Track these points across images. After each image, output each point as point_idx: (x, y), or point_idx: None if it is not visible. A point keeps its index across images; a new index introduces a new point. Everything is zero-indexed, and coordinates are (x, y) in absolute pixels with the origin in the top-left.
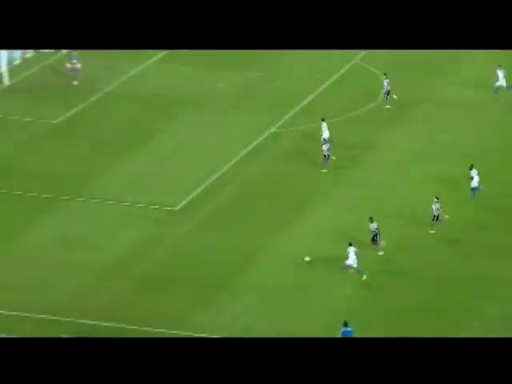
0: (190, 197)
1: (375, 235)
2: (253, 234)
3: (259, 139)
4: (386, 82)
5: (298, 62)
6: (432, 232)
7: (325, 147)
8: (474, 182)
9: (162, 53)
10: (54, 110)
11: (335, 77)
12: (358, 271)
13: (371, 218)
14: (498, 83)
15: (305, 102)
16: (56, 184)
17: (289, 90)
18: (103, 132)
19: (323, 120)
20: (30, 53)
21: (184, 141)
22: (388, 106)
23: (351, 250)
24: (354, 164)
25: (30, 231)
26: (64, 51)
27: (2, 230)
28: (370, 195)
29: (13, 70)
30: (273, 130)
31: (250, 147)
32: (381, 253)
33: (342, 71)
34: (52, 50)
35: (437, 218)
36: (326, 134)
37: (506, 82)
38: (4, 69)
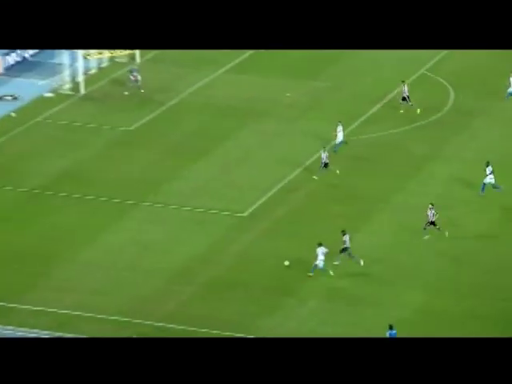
0: (257, 204)
1: (345, 248)
2: (317, 241)
3: (327, 147)
4: (405, 88)
5: (364, 72)
6: (426, 237)
7: (324, 155)
8: (488, 179)
9: (230, 64)
10: (127, 118)
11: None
12: (323, 270)
13: (343, 231)
14: (510, 89)
15: (371, 111)
16: (130, 189)
17: (356, 99)
18: (174, 139)
19: (340, 122)
20: (105, 62)
21: (252, 149)
22: (401, 111)
23: (320, 251)
24: (418, 173)
25: (107, 235)
26: (135, 63)
27: (80, 234)
28: (436, 204)
29: (88, 80)
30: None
31: (316, 156)
32: (361, 262)
33: (408, 81)
34: (125, 60)
35: (433, 223)
36: (340, 137)
37: None
38: (80, 78)
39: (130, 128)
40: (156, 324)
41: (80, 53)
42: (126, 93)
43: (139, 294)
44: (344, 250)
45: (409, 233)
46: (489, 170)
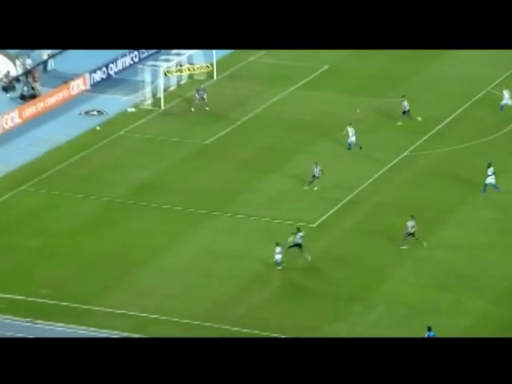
0: (327, 214)
1: (297, 244)
2: (385, 251)
3: (394, 161)
4: (404, 103)
5: (432, 89)
6: (404, 248)
7: (316, 170)
8: (489, 179)
9: (302, 81)
10: (204, 132)
11: (468, 103)
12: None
13: (298, 229)
14: (503, 102)
15: (438, 127)
16: (204, 200)
17: (423, 115)
18: (247, 153)
19: (350, 124)
20: (184, 79)
21: (323, 162)
22: (399, 123)
23: (278, 249)
24: (482, 187)
25: (183, 243)
26: (211, 80)
27: (157, 241)
28: (501, 216)
29: (168, 96)
30: (407, 153)
31: (384, 169)
32: (309, 258)
33: (475, 98)
34: (203, 78)
35: (411, 234)
36: (352, 139)
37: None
38: (161, 94)
39: (207, 142)
40: (230, 328)
41: (161, 70)
42: (193, 109)
43: (213, 298)
44: (296, 245)
45: (474, 244)
46: (490, 171)
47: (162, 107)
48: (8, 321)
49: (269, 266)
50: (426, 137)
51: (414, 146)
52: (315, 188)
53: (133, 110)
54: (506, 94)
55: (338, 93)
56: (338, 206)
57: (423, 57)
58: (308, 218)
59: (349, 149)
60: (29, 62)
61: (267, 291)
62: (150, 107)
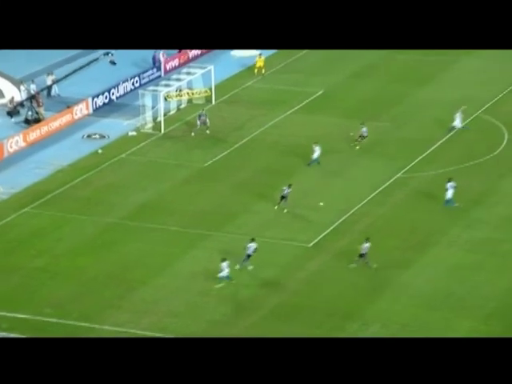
0: (321, 235)
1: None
2: (379, 270)
3: (387, 183)
4: (363, 129)
5: (423, 112)
6: (353, 266)
7: (286, 190)
8: (448, 194)
9: (299, 105)
10: (203, 155)
11: (460, 127)
12: (226, 278)
13: (252, 239)
14: (454, 124)
15: (429, 150)
16: (203, 221)
17: (415, 138)
18: (245, 175)
19: (316, 144)
20: (184, 104)
21: (317, 183)
22: (358, 148)
23: (225, 264)
24: (474, 207)
25: (182, 263)
26: (207, 105)
27: (157, 261)
28: (490, 237)
29: (168, 120)
30: (399, 175)
31: (378, 190)
32: (250, 267)
33: (466, 122)
34: (202, 102)
35: (363, 255)
36: (316, 154)
37: (462, 123)
38: (161, 118)
39: (205, 164)
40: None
41: (161, 95)
42: (193, 134)
43: (210, 318)
44: (248, 256)
45: (463, 265)
46: (450, 185)
47: (162, 131)
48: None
49: (265, 285)
50: (418, 159)
51: (406, 169)
52: (285, 210)
53: (134, 133)
54: (458, 116)
55: (332, 116)
56: (332, 226)
57: (414, 81)
58: (303, 238)
59: (308, 165)
60: (33, 87)
61: (264, 310)
62: (151, 131)
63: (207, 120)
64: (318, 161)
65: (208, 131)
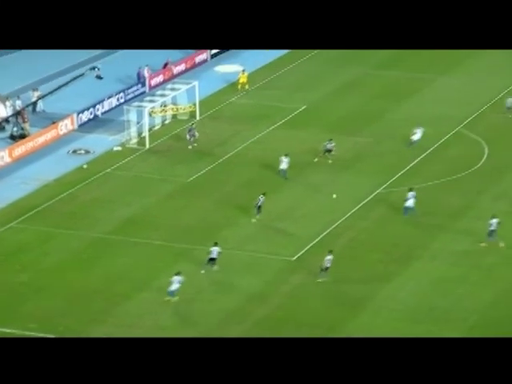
0: (304, 249)
1: (212, 259)
2: (360, 284)
3: (369, 198)
4: (330, 145)
5: (404, 129)
6: (321, 280)
7: (261, 199)
8: (409, 203)
9: (282, 120)
10: (187, 170)
11: (439, 143)
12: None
13: (216, 243)
14: (413, 137)
15: (411, 164)
16: (187, 235)
17: (396, 153)
18: (228, 190)
19: (286, 155)
20: (168, 119)
21: (299, 198)
22: (330, 161)
23: (176, 279)
24: (454, 221)
25: (167, 276)
26: (195, 120)
27: (141, 275)
28: (472, 250)
29: (153, 135)
30: (380, 190)
31: (360, 205)
32: (215, 267)
33: (445, 137)
34: (186, 118)
35: (326, 268)
36: (283, 167)
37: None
38: (146, 134)
39: (189, 179)
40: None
41: (146, 111)
42: (190, 147)
43: (196, 331)
44: (211, 260)
45: (445, 278)
46: (411, 194)
47: (147, 146)
48: None
49: (250, 298)
50: (400, 174)
51: (387, 183)
52: (253, 220)
53: (119, 148)
54: (418, 131)
55: (314, 132)
56: (316, 240)
57: (394, 98)
58: (287, 252)
59: (279, 173)
60: (18, 103)
61: (248, 323)
62: (136, 146)
63: (196, 133)
64: (285, 173)
65: (195, 144)
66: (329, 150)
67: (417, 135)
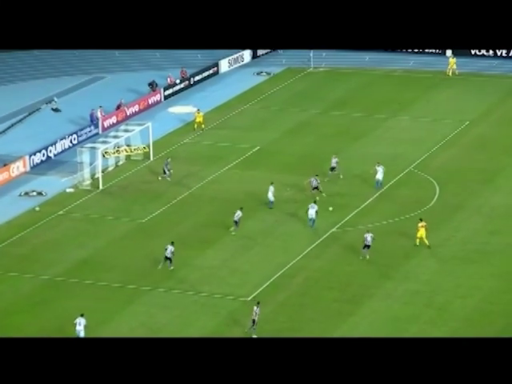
0: (260, 289)
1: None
2: (313, 323)
3: (323, 237)
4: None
5: (357, 168)
6: (254, 337)
7: (238, 213)
8: (378, 175)
9: (236, 161)
10: (142, 211)
11: (392, 182)
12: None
13: (172, 242)
14: (378, 176)
15: (364, 204)
16: (142, 276)
17: (349, 193)
18: (184, 230)
19: (272, 183)
20: (122, 160)
21: (255, 238)
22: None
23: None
24: (405, 261)
25: (120, 319)
26: (149, 161)
27: (96, 317)
28: (424, 289)
29: (106, 176)
30: (334, 229)
31: (314, 244)
32: (171, 268)
33: (399, 176)
34: (140, 158)
35: (254, 322)
36: (271, 197)
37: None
38: (99, 175)
39: (144, 219)
40: None
41: (99, 152)
42: (169, 179)
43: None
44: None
45: (398, 317)
46: (380, 168)
47: (101, 187)
48: None
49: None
50: (353, 213)
51: (341, 223)
52: (232, 232)
53: (72, 190)
54: (379, 169)
55: (268, 172)
56: (271, 280)
57: (347, 138)
58: (242, 293)
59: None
60: None
61: None
62: (89, 187)
63: (171, 168)
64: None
65: (169, 179)
66: (316, 188)
67: (379, 174)
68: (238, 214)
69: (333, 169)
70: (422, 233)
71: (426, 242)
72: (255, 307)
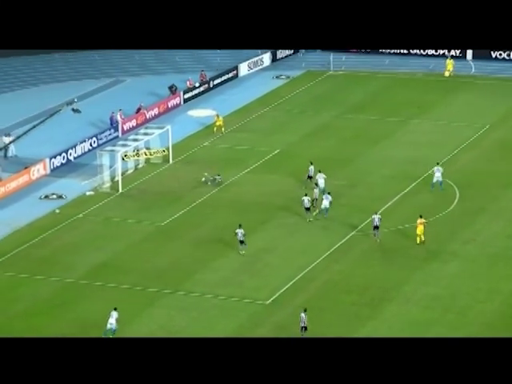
0: (280, 292)
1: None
2: (332, 326)
3: (343, 240)
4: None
5: (378, 171)
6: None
7: (239, 233)
8: (436, 177)
9: (254, 164)
10: (161, 214)
11: (412, 185)
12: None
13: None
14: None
15: (383, 208)
16: (162, 279)
17: (370, 196)
18: (204, 233)
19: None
20: (141, 163)
21: (275, 241)
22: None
23: (113, 315)
24: (425, 265)
25: (139, 322)
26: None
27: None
28: (444, 293)
29: (126, 179)
30: (354, 232)
31: (333, 248)
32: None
33: (418, 180)
34: (160, 161)
35: (304, 329)
36: (321, 184)
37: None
38: (119, 178)
39: (163, 223)
40: None
41: (119, 155)
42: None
43: None
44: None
45: (417, 321)
46: (437, 170)
47: (120, 190)
48: None
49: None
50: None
51: (361, 226)
52: (242, 252)
53: (91, 193)
54: (437, 171)
55: (288, 175)
56: (290, 283)
57: (367, 141)
58: (262, 296)
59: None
60: None
61: None
62: (108, 190)
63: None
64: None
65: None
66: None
67: (437, 175)
68: (240, 232)
69: (310, 177)
70: (420, 229)
71: (423, 238)
72: (303, 314)
